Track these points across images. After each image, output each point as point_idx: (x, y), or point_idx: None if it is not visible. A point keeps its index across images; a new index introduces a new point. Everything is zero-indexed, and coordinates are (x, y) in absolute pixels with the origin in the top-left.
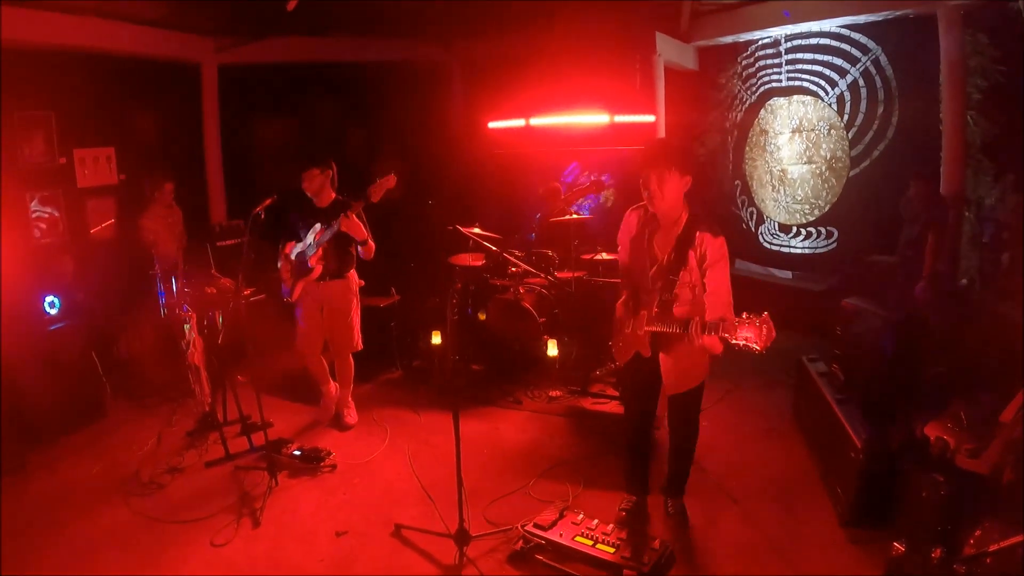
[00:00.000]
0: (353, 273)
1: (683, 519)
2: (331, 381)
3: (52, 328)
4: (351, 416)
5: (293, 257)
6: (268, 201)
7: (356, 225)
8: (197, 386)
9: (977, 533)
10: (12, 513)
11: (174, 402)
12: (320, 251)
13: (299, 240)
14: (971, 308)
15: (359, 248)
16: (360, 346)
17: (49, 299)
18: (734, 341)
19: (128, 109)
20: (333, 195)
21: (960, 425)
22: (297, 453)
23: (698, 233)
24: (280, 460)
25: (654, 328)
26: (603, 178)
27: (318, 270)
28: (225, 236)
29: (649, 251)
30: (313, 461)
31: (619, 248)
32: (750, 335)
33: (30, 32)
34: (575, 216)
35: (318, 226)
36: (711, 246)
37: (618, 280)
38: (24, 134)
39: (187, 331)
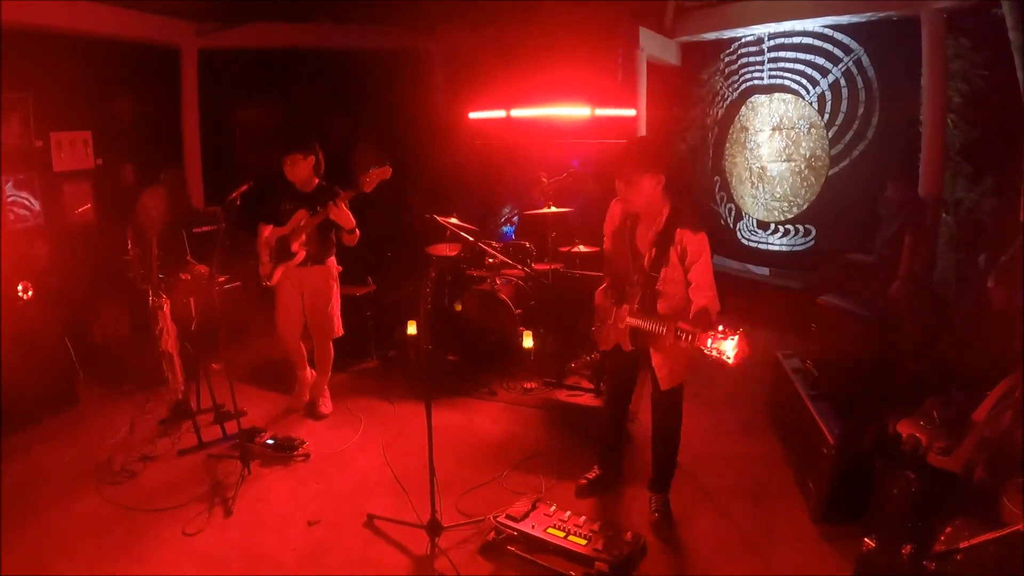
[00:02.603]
0: (332, 259)
1: (668, 516)
2: (308, 367)
3: (25, 313)
4: (326, 406)
5: (273, 242)
6: (244, 187)
7: (345, 214)
8: (170, 374)
9: (948, 530)
10: None
11: (147, 389)
12: (304, 236)
13: (277, 223)
14: (947, 308)
15: (345, 235)
16: (340, 331)
17: (22, 284)
18: (707, 351)
19: (106, 93)
20: (317, 180)
21: (932, 423)
22: (270, 442)
23: (678, 231)
24: (253, 449)
25: (635, 323)
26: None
27: (301, 255)
28: (202, 222)
29: (632, 245)
30: (286, 450)
31: (605, 238)
32: (724, 348)
33: (6, 12)
34: (552, 209)
35: (302, 211)
36: (691, 242)
37: (596, 273)
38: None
39: (161, 317)
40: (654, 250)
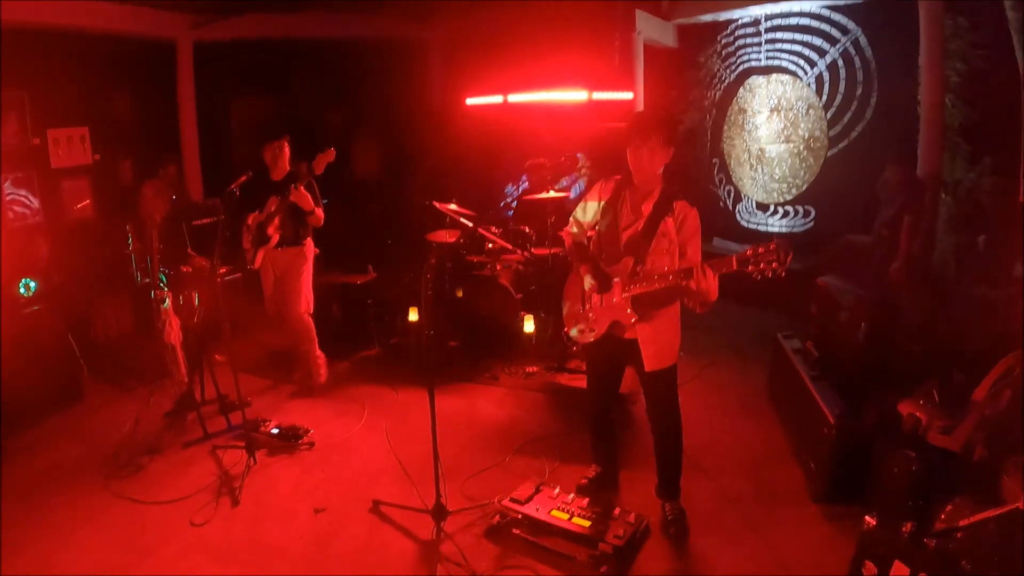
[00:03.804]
0: (309, 241)
1: (683, 526)
2: None
3: (28, 311)
4: (319, 373)
5: (254, 227)
6: (243, 178)
7: (304, 196)
8: (174, 366)
9: (948, 508)
10: None
11: (151, 383)
12: (277, 220)
13: (261, 211)
14: (946, 289)
15: (310, 217)
16: (310, 308)
17: (24, 282)
18: (757, 268)
19: (102, 88)
20: (288, 168)
21: (932, 403)
22: (275, 431)
23: (676, 202)
24: (258, 439)
25: (638, 290)
26: (576, 155)
27: (275, 238)
28: (201, 215)
29: (622, 218)
30: (291, 439)
31: (578, 212)
32: (771, 260)
33: (2, 10)
34: (552, 194)
35: (272, 198)
36: (690, 215)
37: None
38: None
39: (163, 311)
40: (649, 220)
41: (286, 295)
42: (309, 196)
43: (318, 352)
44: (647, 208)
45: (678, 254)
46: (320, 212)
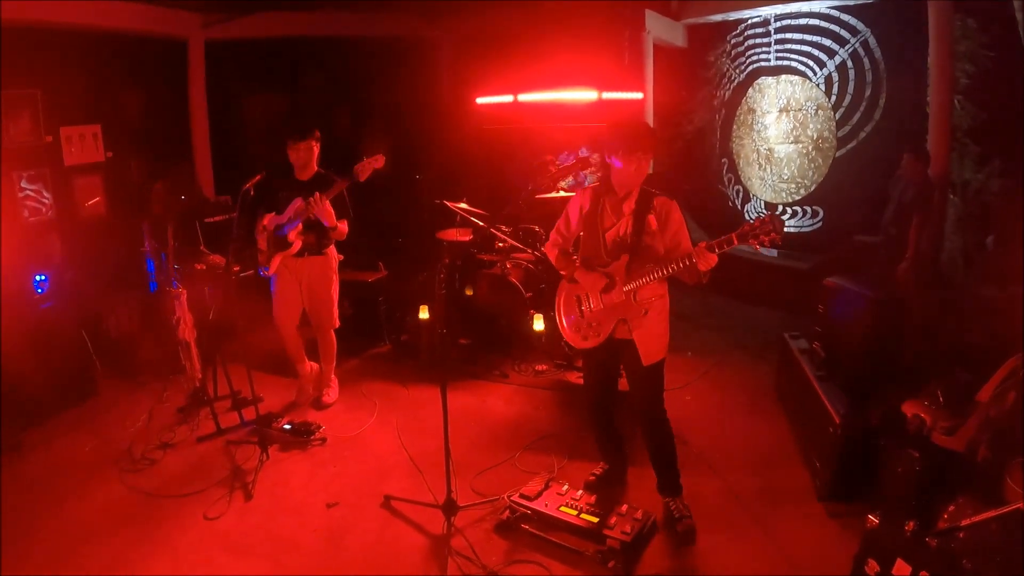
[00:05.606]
0: (332, 248)
1: (690, 523)
2: (307, 361)
3: (42, 307)
4: (329, 395)
5: (271, 229)
6: (257, 177)
7: (327, 211)
8: (187, 362)
9: (951, 508)
10: (8, 491)
11: (165, 379)
12: (299, 225)
13: (278, 212)
14: (952, 289)
15: (330, 232)
16: (337, 323)
17: (39, 278)
18: (757, 239)
19: (114, 86)
20: (316, 169)
21: (937, 403)
22: (287, 427)
23: (655, 199)
24: (271, 434)
25: (640, 283)
26: (589, 155)
27: (297, 245)
28: (213, 212)
29: (603, 221)
30: (303, 435)
31: (561, 225)
32: (768, 230)
33: (14, 9)
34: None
35: (298, 200)
36: (672, 208)
37: None
38: (10, 113)
39: (177, 308)
40: (632, 218)
41: (320, 310)
42: (331, 210)
43: (333, 375)
44: (628, 207)
45: (671, 245)
46: (344, 227)
